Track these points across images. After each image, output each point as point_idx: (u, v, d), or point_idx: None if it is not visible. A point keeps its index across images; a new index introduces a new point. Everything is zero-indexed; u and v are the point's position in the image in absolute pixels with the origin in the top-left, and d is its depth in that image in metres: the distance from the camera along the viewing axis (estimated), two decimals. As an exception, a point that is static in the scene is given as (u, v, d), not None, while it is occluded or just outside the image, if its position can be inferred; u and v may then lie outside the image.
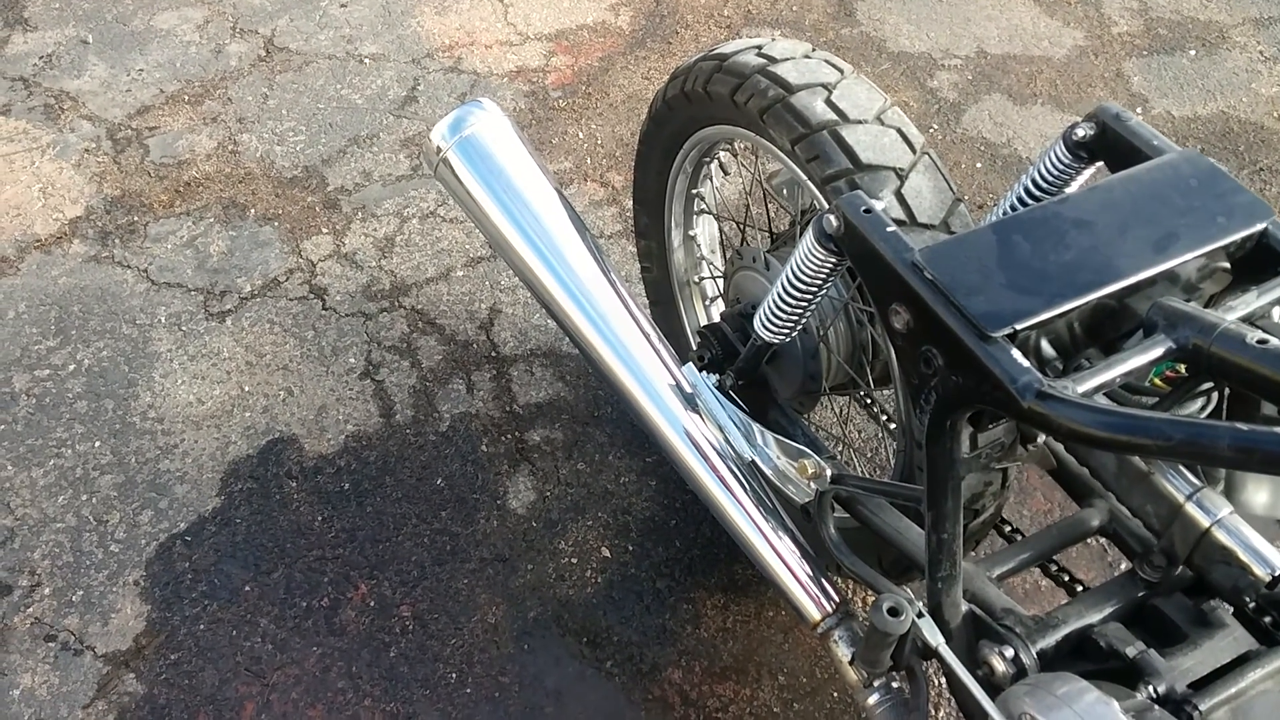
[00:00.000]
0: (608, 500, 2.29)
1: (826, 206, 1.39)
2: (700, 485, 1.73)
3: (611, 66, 3.39)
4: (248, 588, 2.13)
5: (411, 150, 3.08)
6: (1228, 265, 1.18)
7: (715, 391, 1.78)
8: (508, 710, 1.98)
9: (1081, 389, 1.05)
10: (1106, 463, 1.37)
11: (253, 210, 2.90)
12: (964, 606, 1.37)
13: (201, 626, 2.08)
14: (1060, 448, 1.50)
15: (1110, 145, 1.35)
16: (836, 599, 1.63)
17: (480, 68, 3.37)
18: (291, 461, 2.34)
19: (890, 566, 1.77)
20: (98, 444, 2.36)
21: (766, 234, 2.08)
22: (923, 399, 1.21)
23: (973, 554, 1.76)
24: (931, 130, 3.16)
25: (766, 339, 1.64)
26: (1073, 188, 1.43)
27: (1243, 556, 1.21)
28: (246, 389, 2.47)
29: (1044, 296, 1.11)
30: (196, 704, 1.97)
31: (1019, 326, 1.10)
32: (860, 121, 1.56)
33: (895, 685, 1.51)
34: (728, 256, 2.17)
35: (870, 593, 2.10)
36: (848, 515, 1.67)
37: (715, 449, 1.72)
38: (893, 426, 1.96)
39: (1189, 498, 1.25)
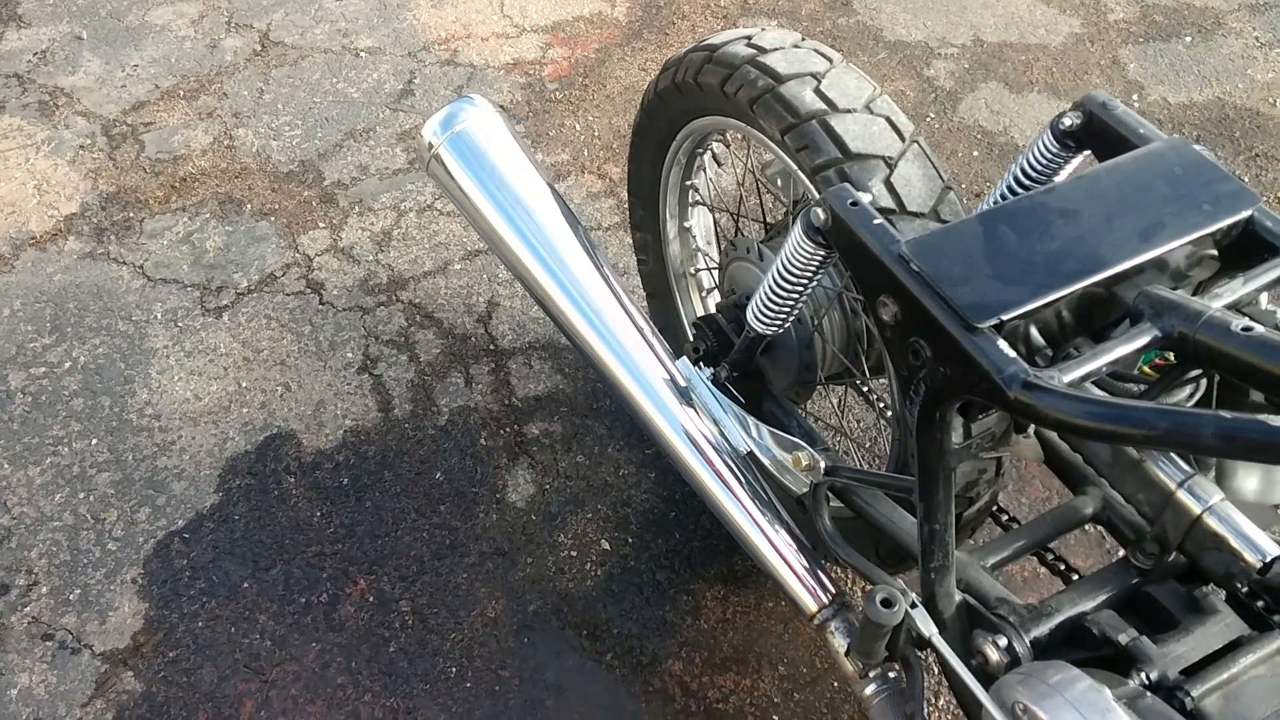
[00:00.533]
0: (607, 493, 2.29)
1: (818, 196, 1.39)
2: (696, 479, 1.73)
3: (608, 58, 3.38)
4: (246, 584, 2.14)
5: (408, 144, 3.08)
6: (1215, 253, 1.18)
7: (710, 385, 1.78)
8: (508, 704, 1.99)
9: (1068, 378, 1.05)
10: (1100, 451, 1.38)
11: (249, 205, 2.90)
12: (958, 596, 1.37)
13: (200, 624, 2.08)
14: (1054, 436, 1.50)
15: (1097, 134, 1.34)
16: (833, 590, 1.63)
17: (477, 60, 3.36)
18: (289, 457, 2.34)
19: (886, 557, 1.78)
20: (94, 441, 2.37)
21: (761, 224, 2.07)
22: (912, 390, 1.21)
23: (969, 542, 1.76)
24: (928, 119, 3.15)
25: (760, 330, 1.64)
26: (1061, 177, 1.42)
27: (1234, 543, 1.21)
28: (244, 385, 2.48)
29: (1030, 286, 1.11)
30: (195, 701, 1.98)
31: (1005, 317, 1.10)
32: (849, 110, 1.56)
33: (892, 675, 1.52)
34: (722, 248, 2.17)
35: (868, 583, 2.10)
36: (843, 506, 1.68)
37: (711, 443, 1.72)
38: (890, 415, 1.96)
39: (1180, 485, 1.25)
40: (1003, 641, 1.30)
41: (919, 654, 1.42)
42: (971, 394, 1.12)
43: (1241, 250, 1.17)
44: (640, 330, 1.77)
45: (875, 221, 1.24)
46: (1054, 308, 1.13)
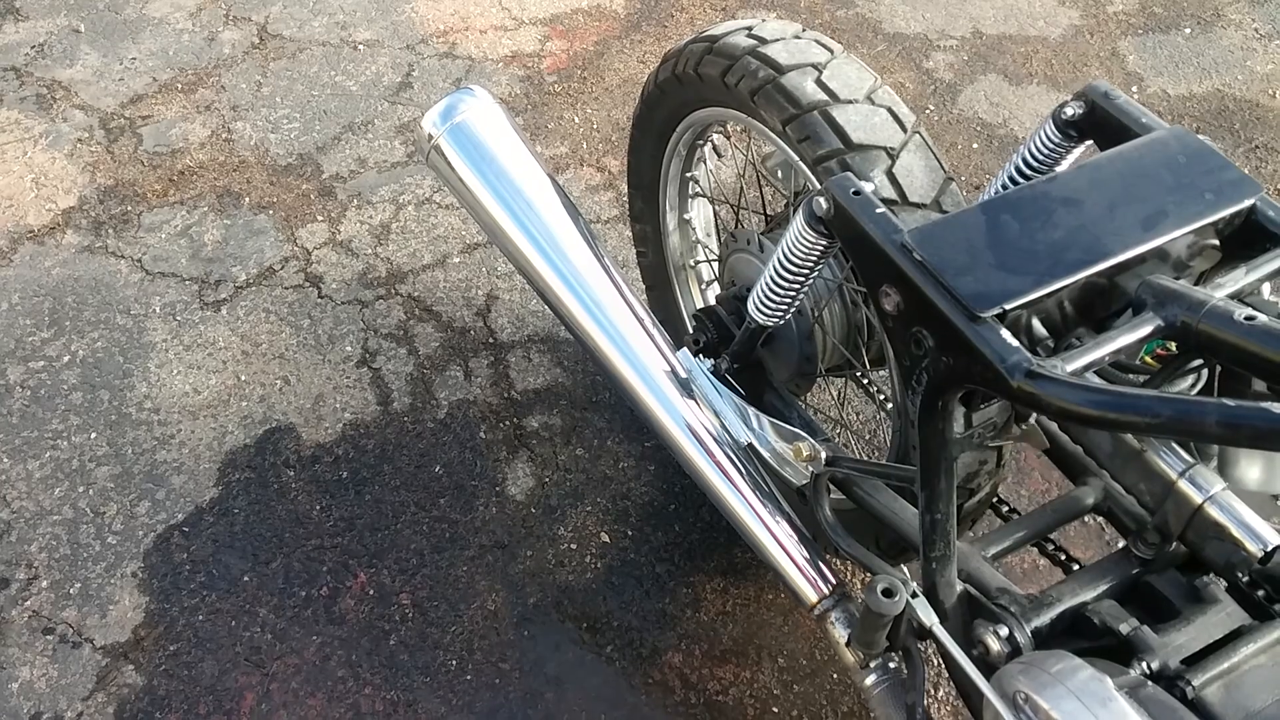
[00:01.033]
0: (606, 485, 2.29)
1: (818, 187, 1.39)
2: (696, 470, 1.73)
3: (607, 50, 3.38)
4: (246, 578, 2.14)
5: (407, 137, 3.08)
6: (1216, 242, 1.17)
7: (710, 376, 1.78)
8: (508, 696, 1.99)
9: (1071, 368, 1.05)
10: (1100, 441, 1.37)
11: (247, 199, 2.90)
12: (959, 586, 1.37)
13: (200, 617, 2.08)
14: (1054, 427, 1.50)
15: (1099, 123, 1.34)
16: (833, 581, 1.63)
17: (475, 53, 3.36)
18: (289, 451, 2.34)
19: (887, 548, 1.78)
20: (94, 435, 2.36)
21: (761, 216, 2.07)
22: (914, 380, 1.21)
23: (969, 533, 1.76)
24: (928, 111, 3.15)
25: (760, 321, 1.63)
26: (1063, 167, 1.42)
27: (1235, 532, 1.21)
28: (243, 378, 2.47)
29: (1033, 276, 1.11)
30: (196, 694, 1.98)
31: (1008, 306, 1.10)
32: (851, 101, 1.56)
33: (893, 666, 1.52)
34: (722, 240, 2.17)
35: (868, 574, 2.10)
36: (844, 497, 1.68)
37: (711, 434, 1.72)
38: (890, 407, 1.96)
39: (1182, 474, 1.25)
40: (1004, 631, 1.30)
41: (920, 644, 1.43)
42: (974, 383, 1.12)
43: (1243, 240, 1.17)
44: (641, 321, 1.77)
45: (878, 211, 1.24)
46: (1056, 297, 1.13)
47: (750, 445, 1.73)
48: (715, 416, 1.74)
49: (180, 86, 3.24)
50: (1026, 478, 2.29)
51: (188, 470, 2.30)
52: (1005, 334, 1.08)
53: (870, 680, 1.51)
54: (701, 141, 2.03)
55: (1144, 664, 1.21)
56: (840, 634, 1.57)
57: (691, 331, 1.88)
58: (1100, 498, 1.46)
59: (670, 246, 2.23)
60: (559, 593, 2.12)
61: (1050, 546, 1.64)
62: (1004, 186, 1.47)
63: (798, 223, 1.40)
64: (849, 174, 1.32)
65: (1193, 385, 1.24)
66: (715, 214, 2.23)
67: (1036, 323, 1.15)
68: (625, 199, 2.76)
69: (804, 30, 1.70)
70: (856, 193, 1.27)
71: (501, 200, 1.78)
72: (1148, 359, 1.25)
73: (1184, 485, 1.25)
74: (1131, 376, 1.27)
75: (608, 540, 2.20)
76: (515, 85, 3.24)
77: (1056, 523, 1.48)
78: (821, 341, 1.76)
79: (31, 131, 3.09)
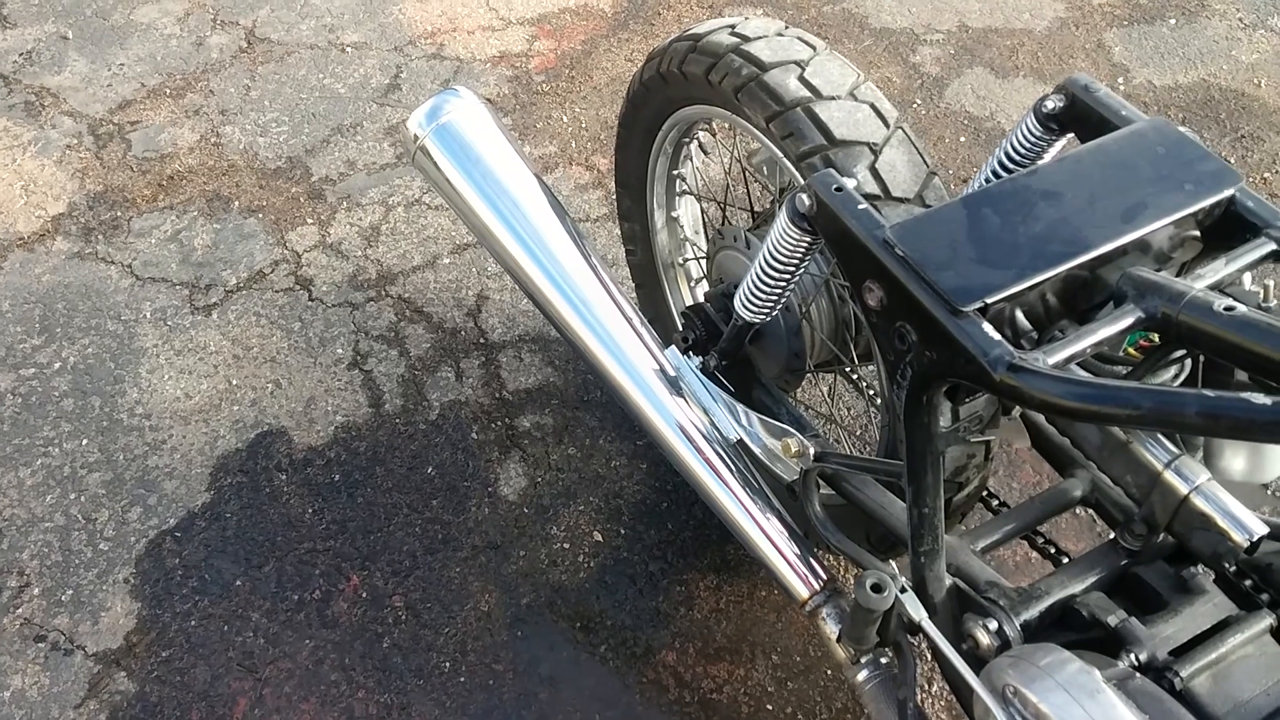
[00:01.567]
0: (599, 484, 2.29)
1: (803, 183, 1.39)
2: (686, 468, 1.73)
3: (594, 49, 3.38)
4: (239, 582, 2.13)
5: (395, 138, 3.08)
6: (1197, 233, 1.18)
7: (699, 373, 1.78)
8: (502, 698, 1.99)
9: (1053, 360, 1.05)
10: (1087, 433, 1.38)
11: (237, 203, 2.90)
12: (948, 580, 1.38)
13: (193, 623, 2.08)
14: (1041, 420, 1.50)
15: (1080, 116, 1.34)
16: (824, 576, 1.64)
17: (463, 54, 3.36)
18: (281, 454, 2.34)
19: (877, 542, 1.78)
20: (85, 442, 2.36)
21: (748, 213, 2.07)
22: (899, 374, 1.21)
23: (960, 527, 1.76)
24: (915, 105, 3.15)
25: (747, 318, 1.64)
26: (1045, 160, 1.42)
27: (1221, 522, 1.22)
28: (234, 382, 2.47)
29: (1014, 269, 1.11)
30: (189, 700, 1.98)
31: (990, 300, 1.10)
32: (833, 98, 1.56)
33: (884, 661, 1.52)
34: (710, 237, 2.17)
35: (859, 569, 2.10)
36: (834, 492, 1.68)
37: (700, 431, 1.72)
38: (879, 402, 1.96)
39: (1167, 465, 1.25)
40: (993, 625, 1.31)
41: (911, 639, 1.43)
42: (958, 377, 1.12)
43: (1224, 230, 1.17)
44: (629, 320, 1.77)
45: (860, 207, 1.24)
46: (1038, 290, 1.13)
47: (740, 442, 1.73)
48: (704, 414, 1.74)
49: (169, 92, 3.24)
50: (1018, 470, 2.30)
51: (179, 475, 2.30)
52: (987, 328, 1.08)
53: (862, 676, 1.51)
54: (688, 139, 2.03)
55: (1132, 655, 1.21)
56: (831, 629, 1.57)
57: (680, 329, 1.88)
58: (1088, 490, 1.46)
59: (659, 244, 2.23)
60: (552, 592, 2.12)
61: (1040, 539, 1.65)
62: (987, 181, 1.47)
63: (781, 220, 1.40)
64: (831, 170, 1.32)
65: (1175, 376, 1.24)
66: (703, 211, 2.23)
67: (1019, 315, 1.15)
68: (613, 197, 2.76)
69: (787, 28, 1.71)
70: (838, 189, 1.27)
71: (488, 200, 1.78)
72: (1130, 350, 1.25)
73: (1170, 476, 1.25)
74: (1115, 368, 1.27)
75: (601, 539, 2.20)
76: (503, 85, 3.24)
77: (1044, 515, 1.49)
78: (809, 337, 1.76)
79: (20, 139, 3.09)
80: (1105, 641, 1.26)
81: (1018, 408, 1.33)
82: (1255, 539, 1.20)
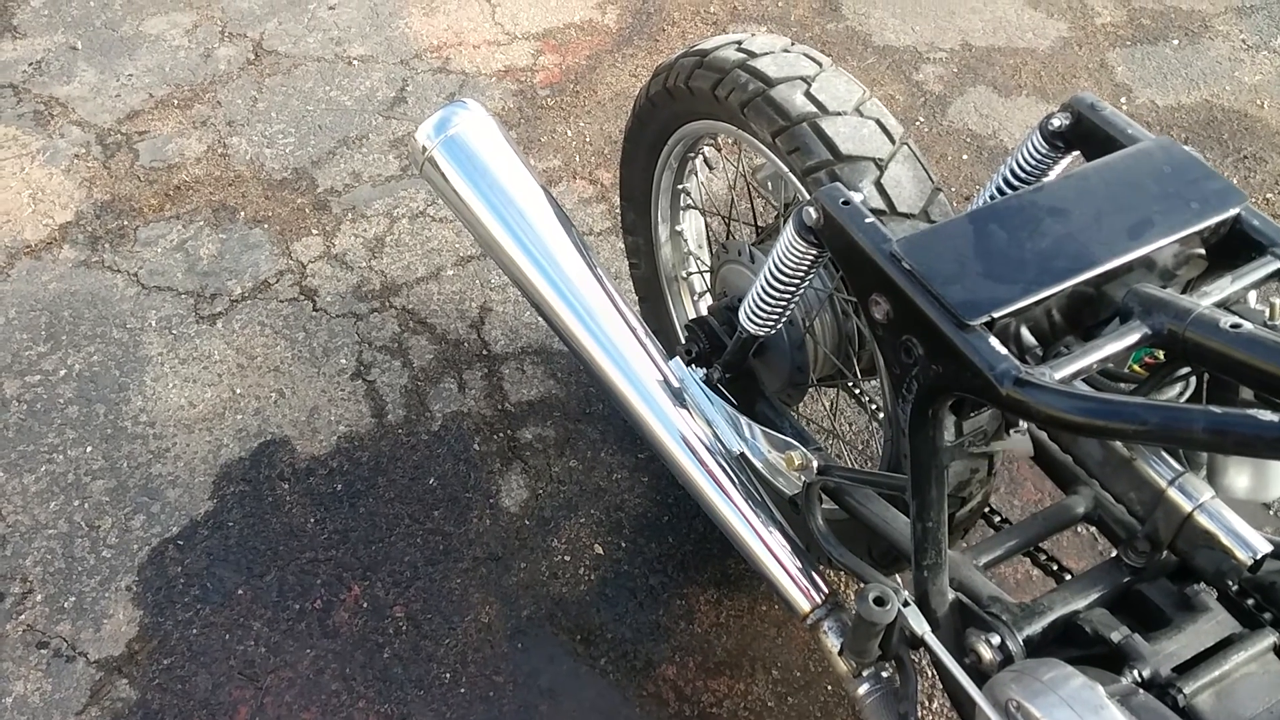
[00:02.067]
0: (600, 497, 2.29)
1: (808, 198, 1.40)
2: (689, 480, 1.73)
3: (599, 64, 3.39)
4: (240, 591, 2.14)
5: (401, 151, 3.09)
6: (1202, 251, 1.18)
7: (703, 385, 1.79)
8: (502, 709, 1.99)
9: (1059, 375, 1.05)
10: (1090, 450, 1.38)
11: (242, 213, 2.90)
12: (950, 595, 1.38)
13: (194, 631, 2.08)
14: (1044, 436, 1.50)
15: (1086, 134, 1.35)
16: (826, 590, 1.64)
17: (468, 67, 3.37)
18: (284, 463, 2.34)
19: (879, 557, 1.78)
20: (89, 449, 2.37)
21: (752, 228, 2.08)
22: (904, 388, 1.21)
23: (961, 543, 1.76)
24: (917, 123, 3.16)
25: (752, 331, 1.64)
26: (1050, 177, 1.43)
27: (1225, 540, 1.22)
28: (238, 391, 2.48)
29: (1021, 284, 1.12)
30: (190, 709, 1.98)
31: (996, 314, 1.11)
32: (839, 113, 1.57)
33: (885, 675, 1.52)
34: (714, 251, 2.18)
35: (860, 584, 2.11)
36: (836, 507, 1.68)
37: (704, 443, 1.73)
38: (881, 417, 1.97)
39: (1171, 483, 1.26)
40: (996, 640, 1.31)
41: (912, 654, 1.43)
42: (964, 391, 1.13)
43: (1229, 249, 1.18)
44: (634, 331, 1.77)
45: (867, 220, 1.25)
46: (1044, 306, 1.13)
47: (742, 455, 1.73)
48: (708, 426, 1.74)
49: (176, 102, 3.25)
50: (1019, 488, 2.30)
51: (183, 484, 2.30)
52: (994, 342, 1.09)
53: (863, 690, 1.51)
54: (693, 154, 2.04)
55: (1135, 672, 1.21)
56: (833, 643, 1.57)
57: (684, 342, 1.88)
58: (1091, 507, 1.46)
59: (662, 258, 2.24)
60: (553, 605, 2.13)
61: (1042, 557, 1.65)
62: (991, 197, 1.48)
63: (788, 233, 1.41)
64: (838, 184, 1.33)
65: (1180, 394, 1.24)
66: (707, 226, 2.24)
67: (1025, 331, 1.16)
68: (617, 211, 2.77)
69: (793, 44, 1.72)
70: (845, 202, 1.28)
71: (495, 212, 1.79)
72: (1135, 367, 1.26)
73: (1174, 493, 1.25)
74: (1119, 386, 1.28)
75: (601, 552, 2.20)
76: (508, 99, 3.25)
77: (1047, 532, 1.49)
78: (813, 351, 1.77)
79: (29, 147, 3.10)
80: (1108, 658, 1.26)
81: (1023, 423, 1.33)
82: (1259, 557, 1.20)
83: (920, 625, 1.35)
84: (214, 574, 2.16)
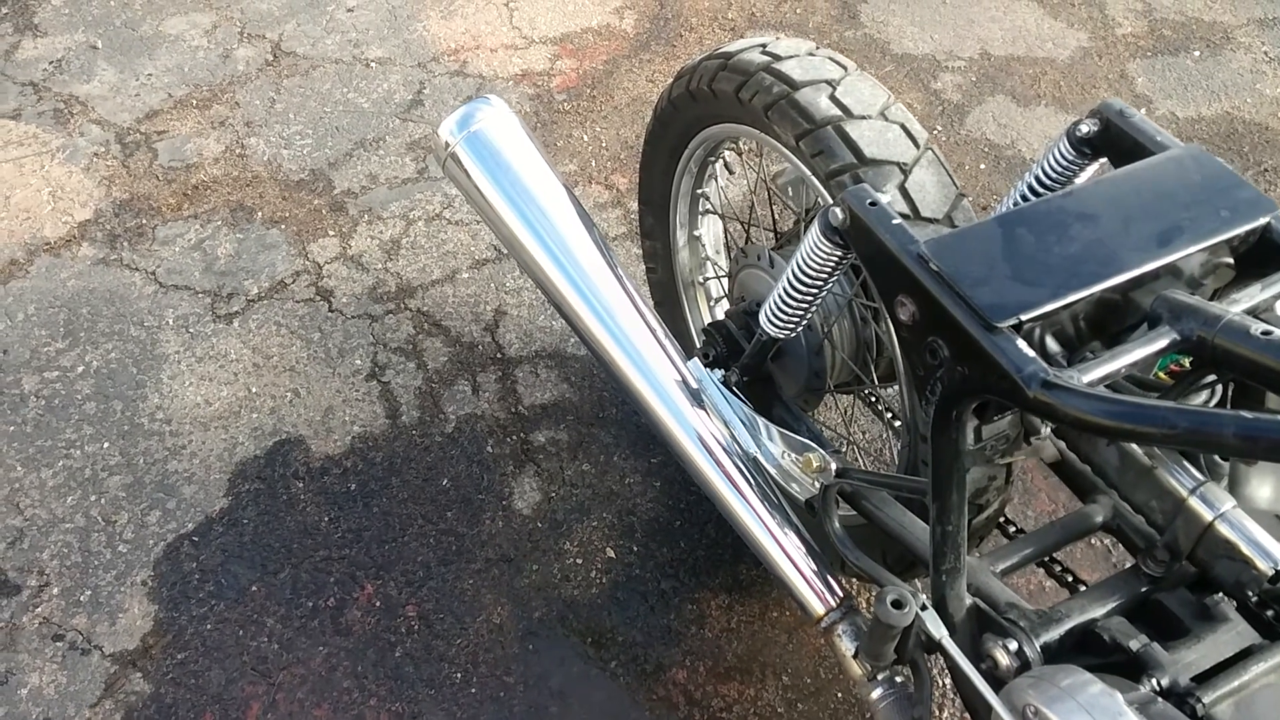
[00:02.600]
0: (613, 501, 2.29)
1: (831, 202, 1.40)
2: (705, 480, 1.73)
3: (616, 69, 3.39)
4: (254, 588, 2.14)
5: (418, 153, 3.09)
6: (1231, 260, 1.18)
7: (721, 387, 1.79)
8: (512, 710, 1.98)
9: (1086, 379, 1.05)
10: (1109, 458, 1.38)
11: (260, 213, 2.91)
12: (968, 600, 1.37)
13: (208, 626, 2.08)
14: (1063, 443, 1.50)
15: (1114, 141, 1.35)
16: (840, 594, 1.63)
17: (485, 71, 3.38)
18: (298, 462, 2.34)
19: (895, 562, 1.78)
20: (106, 445, 2.37)
21: (771, 233, 2.08)
22: (928, 390, 1.21)
23: (976, 551, 1.76)
24: (935, 131, 3.16)
25: (772, 334, 1.64)
26: (1076, 184, 1.43)
27: (1245, 551, 1.21)
28: (254, 390, 2.48)
29: (1049, 288, 1.12)
30: (203, 703, 1.98)
31: (1024, 317, 1.10)
32: (864, 117, 1.57)
33: (899, 680, 1.51)
34: (732, 255, 2.18)
35: (874, 589, 2.10)
36: (853, 511, 1.68)
37: (721, 444, 1.73)
38: (897, 424, 1.97)
39: (1192, 492, 1.25)
40: (1013, 645, 1.30)
41: (927, 659, 1.43)
42: (990, 393, 1.12)
43: (1258, 258, 1.18)
44: (653, 331, 1.77)
45: (894, 221, 1.24)
46: (1071, 311, 1.13)
47: (759, 457, 1.73)
48: (725, 427, 1.74)
49: (195, 102, 3.26)
50: (1034, 499, 2.29)
51: (198, 480, 2.31)
52: (1022, 344, 1.09)
53: (876, 694, 1.51)
54: (713, 158, 2.04)
55: (1154, 681, 1.20)
56: (847, 646, 1.57)
57: (700, 345, 1.88)
58: (1109, 515, 1.46)
59: (680, 263, 2.24)
60: (564, 607, 2.12)
61: (1057, 568, 1.64)
62: (1016, 203, 1.47)
63: (813, 233, 1.41)
64: (865, 185, 1.33)
65: (1206, 401, 1.24)
66: (725, 230, 2.24)
67: (1049, 337, 1.16)
68: (633, 216, 2.78)
69: (818, 47, 1.72)
70: (873, 203, 1.28)
71: (517, 208, 1.79)
72: (1161, 375, 1.25)
73: (1194, 503, 1.25)
74: (1145, 393, 1.27)
75: (613, 555, 2.20)
76: (525, 103, 3.26)
77: (1065, 540, 1.48)
78: (830, 357, 1.77)
79: (49, 146, 3.11)
80: (1126, 666, 1.25)
81: (1046, 428, 1.33)
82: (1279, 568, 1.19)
83: (938, 629, 1.34)
84: (228, 570, 2.16)
